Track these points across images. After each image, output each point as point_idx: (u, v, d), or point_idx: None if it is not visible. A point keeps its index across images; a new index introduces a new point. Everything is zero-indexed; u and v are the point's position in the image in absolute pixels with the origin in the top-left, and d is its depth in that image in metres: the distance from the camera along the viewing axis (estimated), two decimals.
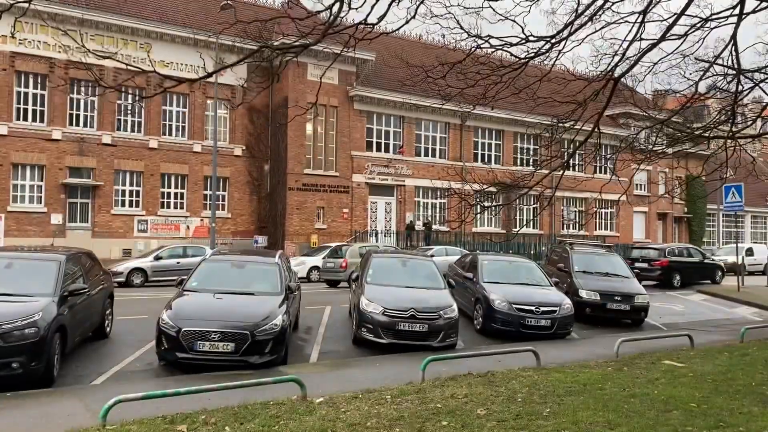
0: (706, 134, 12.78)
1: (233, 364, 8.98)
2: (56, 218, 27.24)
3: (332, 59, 8.51)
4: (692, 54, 11.22)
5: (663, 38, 8.86)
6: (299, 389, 7.15)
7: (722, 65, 11.08)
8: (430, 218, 34.64)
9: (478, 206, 10.90)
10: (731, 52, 9.53)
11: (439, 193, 35.55)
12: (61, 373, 8.81)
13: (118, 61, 7.33)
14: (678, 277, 24.69)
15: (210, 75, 7.05)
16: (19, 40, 26.38)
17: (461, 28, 8.33)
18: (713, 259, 29.29)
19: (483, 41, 8.32)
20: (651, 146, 13.34)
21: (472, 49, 8.34)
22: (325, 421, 6.23)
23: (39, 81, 27.25)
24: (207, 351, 8.95)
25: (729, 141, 12.29)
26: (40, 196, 27.19)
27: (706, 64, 10.97)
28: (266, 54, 7.27)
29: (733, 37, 9.16)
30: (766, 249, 38.11)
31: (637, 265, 24.87)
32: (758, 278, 29.79)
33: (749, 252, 35.88)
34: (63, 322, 8.65)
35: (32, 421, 6.47)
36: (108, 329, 11.51)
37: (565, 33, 8.57)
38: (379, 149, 34.29)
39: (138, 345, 10.81)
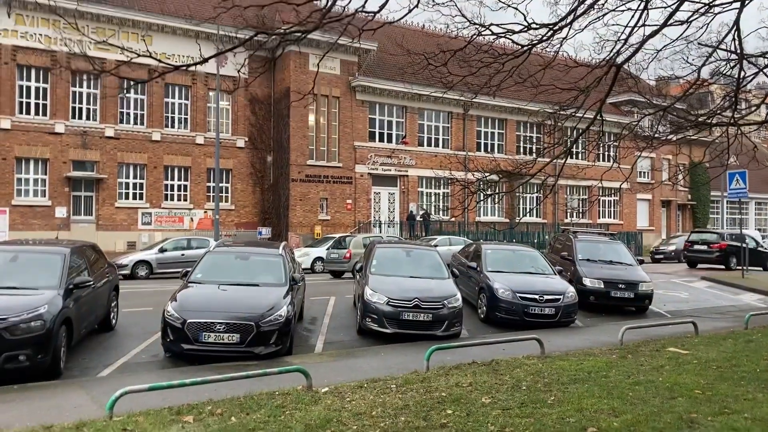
0: (709, 121, 12.69)
1: (238, 355, 9.01)
2: (60, 211, 27.30)
3: (334, 49, 8.45)
4: (695, 40, 11.13)
5: (666, 24, 8.77)
6: (304, 379, 7.17)
7: (725, 50, 10.98)
8: (426, 207, 34.57)
9: (481, 194, 10.87)
10: (734, 38, 9.44)
11: (442, 183, 35.48)
12: (68, 365, 8.86)
13: (117, 47, 7.27)
14: (734, 260, 24.83)
15: (207, 60, 6.99)
16: (21, 33, 26.34)
17: (463, 16, 8.26)
18: (764, 247, 29.45)
19: (485, 29, 8.26)
20: (654, 133, 13.26)
21: (473, 37, 8.27)
22: (330, 411, 6.25)
23: (41, 74, 27.21)
24: (212, 342, 8.98)
25: (732, 127, 12.20)
26: (44, 190, 27.23)
27: (709, 50, 10.88)
28: (266, 41, 7.20)
29: (736, 22, 9.07)
30: (759, 235, 36.86)
31: (695, 247, 25.06)
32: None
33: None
34: (68, 314, 8.67)
35: (40, 412, 6.49)
36: (113, 321, 11.55)
37: (568, 20, 8.50)
38: (381, 139, 34.20)
39: (143, 337, 10.86)
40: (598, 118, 9.59)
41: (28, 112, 26.99)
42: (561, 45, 9.31)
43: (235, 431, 5.58)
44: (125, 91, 27.74)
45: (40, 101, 27.27)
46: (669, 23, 8.83)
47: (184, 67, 6.23)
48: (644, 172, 43.79)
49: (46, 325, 8.02)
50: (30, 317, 7.93)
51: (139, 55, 5.64)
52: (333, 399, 6.75)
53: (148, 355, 9.87)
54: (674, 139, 15.55)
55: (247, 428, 5.66)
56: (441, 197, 36.06)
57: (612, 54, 9.50)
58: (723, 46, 10.87)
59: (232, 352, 9.03)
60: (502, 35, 8.36)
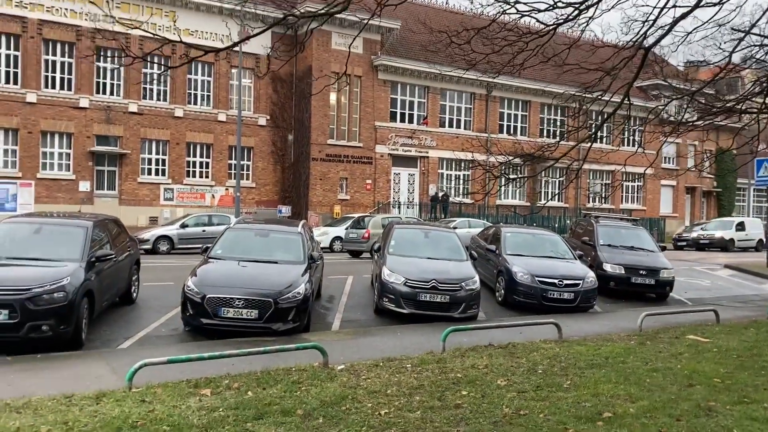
0: (738, 107, 12.42)
1: (256, 331, 9.11)
2: (84, 186, 27.64)
3: (356, 27, 8.38)
4: (728, 23, 10.85)
5: (697, 5, 8.55)
6: (321, 356, 7.23)
7: (758, 35, 10.71)
8: (446, 189, 34.39)
9: (503, 178, 10.78)
10: None
11: (463, 165, 35.27)
12: (89, 337, 9.02)
13: (144, 31, 7.31)
14: None
15: (235, 45, 7.02)
16: (47, 7, 26.51)
17: None
18: None
19: (509, 6, 8.12)
20: (680, 118, 13.01)
21: (498, 15, 8.15)
22: (345, 388, 6.30)
23: (66, 49, 27.42)
24: (231, 317, 9.08)
25: (762, 114, 11.92)
26: (69, 164, 27.56)
27: (741, 34, 10.60)
28: (290, 21, 7.18)
29: None
30: (761, 223, 36.12)
31: None
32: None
33: (740, 226, 33.96)
34: (90, 287, 8.81)
35: (61, 382, 6.64)
36: (134, 295, 11.72)
37: None
38: (402, 120, 34.00)
39: (164, 311, 11.01)
40: (626, 100, 9.41)
41: (53, 87, 27.26)
42: (587, 24, 9.13)
43: (251, 405, 5.64)
44: (155, 80, 27.86)
45: (65, 76, 27.49)
46: (700, 4, 8.61)
47: (213, 52, 6.23)
48: (669, 158, 43.09)
49: (69, 296, 8.16)
50: (53, 288, 8.07)
51: (169, 41, 5.63)
52: (349, 376, 6.80)
53: (167, 329, 10.01)
54: (701, 124, 15.23)
55: (264, 402, 5.73)
56: (461, 179, 35.85)
57: (639, 36, 9.30)
58: (756, 30, 10.60)
59: (251, 328, 9.12)
60: (527, 14, 8.22)
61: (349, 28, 29.24)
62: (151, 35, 6.27)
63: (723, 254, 30.17)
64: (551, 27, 8.36)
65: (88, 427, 5.04)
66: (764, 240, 33.70)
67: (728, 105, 12.98)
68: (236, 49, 27.12)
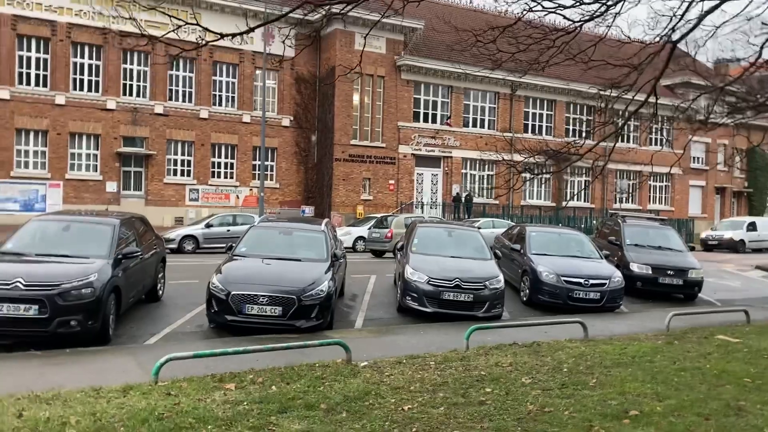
0: None
1: (280, 328, 9.18)
2: (111, 186, 28.12)
3: (379, 27, 8.39)
4: (757, 16, 10.64)
5: None
6: (344, 353, 7.26)
7: None
8: (469, 189, 34.24)
9: (527, 174, 10.70)
10: None
11: (486, 165, 35.10)
12: (117, 332, 9.16)
13: (165, 14, 7.36)
14: None
15: (253, 29, 7.05)
16: (75, 11, 27.01)
17: None
18: None
19: (535, 4, 8.08)
20: (708, 115, 12.81)
21: (524, 13, 8.11)
22: (369, 384, 6.32)
23: (94, 51, 27.91)
24: (255, 314, 9.15)
25: None
26: (96, 165, 28.06)
27: None
28: (311, 16, 7.22)
29: None
30: None
31: None
32: None
33: (751, 226, 32.63)
34: (117, 283, 8.96)
35: (89, 375, 6.75)
36: (160, 292, 11.87)
37: None
38: (426, 120, 33.96)
39: (189, 308, 11.14)
40: (651, 99, 9.30)
41: (81, 89, 27.78)
42: (614, 20, 9.05)
43: (275, 399, 5.69)
44: (175, 59, 28.12)
45: (93, 78, 28.00)
46: None
47: (232, 36, 6.31)
48: (698, 158, 42.42)
49: (96, 292, 8.30)
50: (81, 284, 8.22)
51: (187, 23, 5.73)
52: (372, 373, 6.81)
53: (193, 326, 10.13)
54: (730, 122, 14.96)
55: (287, 397, 5.77)
56: (485, 179, 35.69)
57: (667, 30, 9.18)
58: None
59: (274, 325, 9.19)
60: (553, 10, 8.17)
61: (373, 28, 29.32)
62: (175, 23, 6.30)
63: (756, 255, 29.57)
64: (578, 23, 8.29)
65: (115, 418, 5.12)
66: None
67: (759, 101, 12.75)
68: (260, 50, 27.39)
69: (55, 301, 7.96)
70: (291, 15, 6.88)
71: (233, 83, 31.07)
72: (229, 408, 5.46)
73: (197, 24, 5.72)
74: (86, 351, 8.05)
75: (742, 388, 6.57)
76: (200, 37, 6.49)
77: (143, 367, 7.05)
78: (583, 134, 11.39)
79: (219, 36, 6.12)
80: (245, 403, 5.59)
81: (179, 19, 5.76)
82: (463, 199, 32.64)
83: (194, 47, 7.43)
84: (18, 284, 7.93)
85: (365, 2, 6.48)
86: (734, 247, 31.10)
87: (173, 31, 5.92)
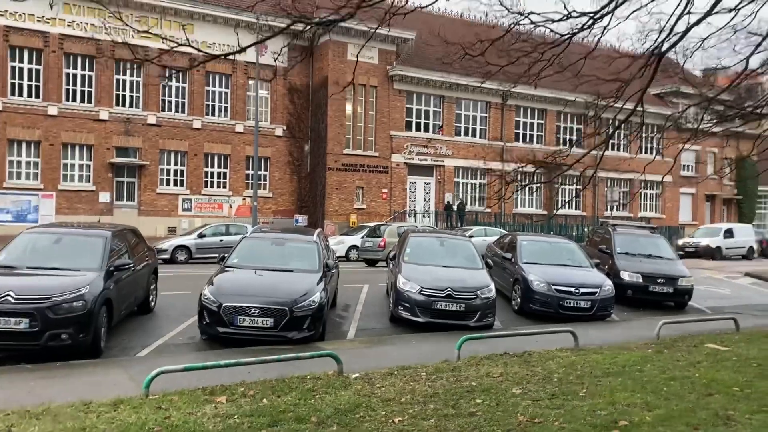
0: (757, 112, 12.29)
1: (272, 339, 9.16)
2: (104, 197, 28.03)
3: (373, 38, 8.45)
4: (744, 28, 10.77)
5: (711, 11, 8.51)
6: (336, 364, 7.26)
7: None
8: (462, 198, 34.38)
9: (517, 185, 10.76)
10: None
11: (478, 174, 35.23)
12: (108, 345, 9.12)
13: (159, 36, 7.44)
14: None
15: (245, 49, 7.08)
16: (67, 22, 27.01)
17: (501, 4, 8.17)
18: None
19: (523, 17, 8.15)
20: (698, 125, 12.92)
21: (512, 26, 8.17)
22: (360, 396, 6.31)
23: (87, 62, 27.89)
24: (247, 326, 9.14)
25: None
26: (89, 175, 27.98)
27: (758, 38, 10.51)
28: (303, 29, 7.27)
29: None
30: (751, 229, 34.62)
31: None
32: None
33: (728, 233, 32.54)
34: (109, 295, 8.93)
35: (80, 389, 6.72)
36: (152, 304, 11.84)
37: (610, 8, 8.32)
38: (418, 129, 34.08)
39: (181, 319, 11.10)
40: (639, 108, 9.38)
41: (74, 99, 27.74)
42: (603, 34, 9.14)
43: (266, 412, 5.68)
44: (167, 80, 28.25)
45: (86, 89, 27.97)
46: (715, 11, 8.57)
47: (223, 56, 6.35)
48: (688, 166, 42.67)
49: (88, 305, 8.27)
50: (72, 297, 8.19)
51: (179, 44, 5.75)
52: (363, 384, 6.81)
53: (184, 338, 10.09)
54: (719, 130, 15.08)
55: (278, 410, 5.76)
56: (477, 188, 35.80)
57: (656, 44, 9.27)
58: None
59: (266, 336, 9.17)
60: (541, 24, 8.24)
61: (364, 39, 29.44)
62: (169, 44, 6.36)
63: (744, 262, 29.70)
64: (566, 36, 8.36)
65: None
66: (755, 247, 32.79)
67: (747, 110, 12.86)
68: (253, 60, 27.44)
69: (45, 314, 7.93)
70: (283, 26, 6.91)
71: (226, 93, 31.10)
72: (220, 422, 5.45)
73: (191, 45, 5.71)
74: (77, 364, 8.00)
75: (730, 397, 6.59)
76: (193, 57, 6.52)
77: (134, 380, 7.02)
78: (573, 143, 11.47)
79: (211, 57, 6.12)
80: (236, 417, 5.58)
81: (174, 41, 5.77)
82: (455, 207, 32.73)
83: (188, 67, 7.48)
84: (8, 297, 7.89)
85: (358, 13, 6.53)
86: (711, 254, 30.88)
87: (167, 51, 5.93)
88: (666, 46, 9.30)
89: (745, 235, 33.19)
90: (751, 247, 32.55)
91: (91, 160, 27.98)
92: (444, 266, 12.20)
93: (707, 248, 31.00)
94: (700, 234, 33.05)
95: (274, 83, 31.25)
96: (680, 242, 32.96)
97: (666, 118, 13.36)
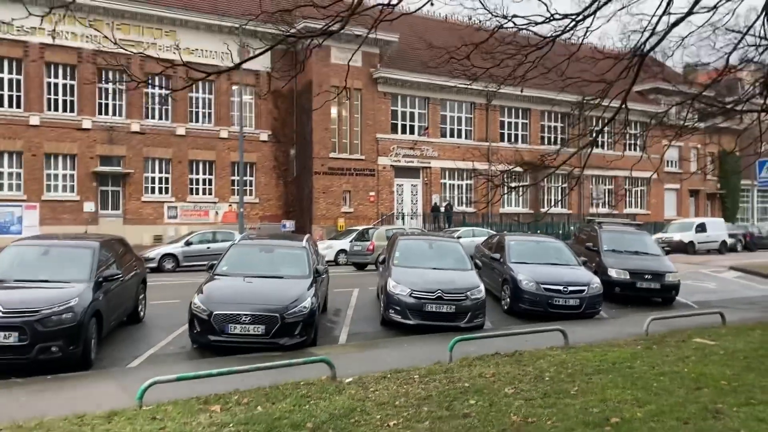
0: (738, 108, 12.50)
1: (264, 346, 9.17)
2: (89, 206, 27.84)
3: (355, 41, 8.51)
4: (723, 26, 10.95)
5: (692, 11, 8.68)
6: (329, 370, 7.29)
7: (754, 36, 10.80)
8: (449, 199, 34.51)
9: (505, 187, 10.85)
10: (763, 23, 9.29)
11: (465, 175, 35.38)
12: (98, 356, 9.09)
13: (147, 55, 7.48)
14: None
15: (237, 66, 7.15)
16: (48, 31, 26.79)
17: (485, 8, 8.27)
18: None
19: (507, 20, 8.25)
20: (681, 122, 13.10)
21: (496, 29, 8.27)
22: (354, 401, 6.36)
23: (68, 71, 27.71)
24: (238, 333, 9.15)
25: (763, 114, 12.00)
26: (73, 185, 27.78)
27: (737, 36, 10.70)
28: (290, 41, 7.33)
29: (765, 7, 8.92)
30: (723, 224, 34.66)
31: None
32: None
33: (700, 228, 32.51)
34: (98, 307, 8.90)
35: (72, 402, 6.70)
36: (142, 314, 11.80)
37: (591, 9, 8.45)
38: (404, 131, 34.19)
39: (171, 329, 11.07)
40: (623, 108, 9.51)
41: (56, 109, 27.53)
42: (585, 35, 9.26)
43: (261, 420, 5.70)
44: (163, 104, 28.14)
45: (68, 98, 27.78)
46: (695, 10, 8.73)
47: (216, 74, 6.36)
48: (672, 162, 43.12)
49: (77, 317, 8.24)
50: (62, 309, 8.16)
51: (172, 64, 5.77)
52: (357, 389, 6.85)
53: (175, 347, 10.07)
54: (702, 127, 15.28)
55: (273, 417, 5.79)
56: (464, 188, 35.97)
57: (638, 44, 9.41)
58: (752, 32, 10.69)
59: (258, 343, 9.18)
60: (524, 26, 8.34)
61: (348, 43, 29.48)
62: (155, 58, 6.43)
63: (728, 256, 30.02)
64: (549, 39, 8.47)
65: None
66: (728, 242, 32.77)
67: (728, 106, 13.07)
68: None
69: (35, 327, 7.89)
70: (267, 31, 6.95)
71: (210, 99, 31.02)
72: (216, 430, 5.47)
73: (184, 64, 5.73)
74: (68, 377, 7.97)
75: (719, 390, 6.71)
76: (186, 77, 6.55)
77: (127, 391, 7.01)
78: (561, 146, 11.58)
79: (205, 74, 6.13)
80: (231, 425, 5.60)
81: (168, 61, 5.78)
82: (442, 209, 32.85)
83: (182, 87, 7.49)
84: None
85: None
86: (684, 249, 30.86)
87: (161, 73, 5.95)
88: (648, 46, 9.47)
89: (718, 229, 33.15)
90: (724, 242, 32.51)
91: (74, 169, 27.78)
92: (433, 268, 12.27)
93: (680, 243, 31.04)
94: (673, 229, 33.09)
95: (258, 88, 31.18)
96: (653, 238, 33.17)
97: (650, 116, 13.53)
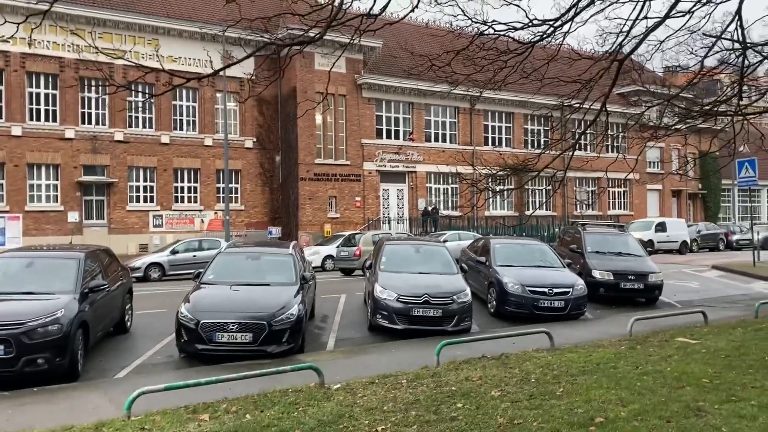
0: (715, 110, 12.69)
1: (252, 354, 9.17)
2: (73, 216, 27.62)
3: (338, 48, 8.57)
4: (699, 30, 11.13)
5: (668, 15, 8.81)
6: (317, 376, 7.32)
7: (729, 39, 10.98)
8: (435, 203, 34.67)
9: (489, 191, 10.96)
10: (737, 27, 9.45)
11: (450, 179, 35.54)
12: (85, 367, 9.04)
13: (129, 61, 7.50)
14: None
15: (217, 72, 7.17)
16: (29, 41, 26.60)
17: (465, 15, 8.36)
18: None
19: (487, 27, 8.35)
20: (659, 123, 13.29)
21: (476, 36, 8.36)
22: (342, 407, 6.39)
23: (50, 81, 27.51)
24: (226, 342, 9.15)
25: (737, 116, 12.21)
26: (57, 195, 27.55)
27: (713, 40, 10.88)
28: (273, 48, 7.38)
29: (738, 11, 9.09)
30: (684, 224, 34.51)
31: None
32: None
33: (660, 227, 32.32)
34: (85, 318, 8.86)
35: (59, 414, 6.68)
36: (128, 324, 11.75)
37: (570, 15, 8.56)
38: (389, 136, 34.34)
39: (158, 338, 11.04)
40: (604, 110, 9.64)
41: (38, 119, 27.31)
42: (563, 39, 9.38)
43: (249, 428, 5.72)
44: (141, 103, 28.03)
45: (50, 107, 27.57)
46: (671, 14, 8.87)
47: (196, 79, 6.38)
48: (654, 163, 43.59)
49: (63, 328, 8.21)
50: (48, 321, 8.12)
51: (153, 69, 5.79)
52: (345, 395, 6.89)
53: (163, 356, 10.05)
54: (683, 128, 15.49)
55: (262, 425, 5.81)
56: (450, 192, 36.13)
57: (615, 47, 9.55)
58: (727, 36, 10.88)
59: (246, 352, 9.19)
60: (504, 33, 8.44)
61: (331, 48, 29.58)
62: (134, 64, 6.45)
63: (712, 255, 30.34)
64: (528, 45, 8.58)
65: None
66: (689, 242, 32.75)
67: (705, 108, 13.27)
68: (220, 73, 27.35)
69: (21, 339, 7.85)
70: (250, 38, 7.00)
71: (194, 107, 30.94)
72: None
73: (164, 70, 5.76)
74: (55, 389, 7.92)
75: (701, 389, 6.82)
76: (168, 82, 6.57)
77: (115, 402, 7.00)
78: (542, 147, 11.73)
79: (186, 80, 6.16)
80: None
81: (149, 68, 5.80)
82: (429, 212, 32.95)
83: (163, 92, 7.50)
84: None
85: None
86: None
87: (142, 77, 5.97)
88: (626, 50, 9.62)
89: (678, 229, 33.03)
90: (685, 242, 32.44)
91: (58, 179, 27.56)
92: (420, 273, 12.35)
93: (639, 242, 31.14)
94: (633, 228, 33.02)
95: (242, 95, 31.15)
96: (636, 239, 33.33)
97: (628, 118, 13.70)
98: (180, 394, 6.87)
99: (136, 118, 29.50)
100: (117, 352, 10.25)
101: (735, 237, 36.28)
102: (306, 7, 6.30)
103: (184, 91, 30.50)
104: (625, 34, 9.45)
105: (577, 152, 10.27)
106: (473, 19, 8.46)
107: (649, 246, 30.67)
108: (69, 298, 8.73)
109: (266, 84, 7.14)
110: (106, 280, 10.19)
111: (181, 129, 30.62)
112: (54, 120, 27.56)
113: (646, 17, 9.13)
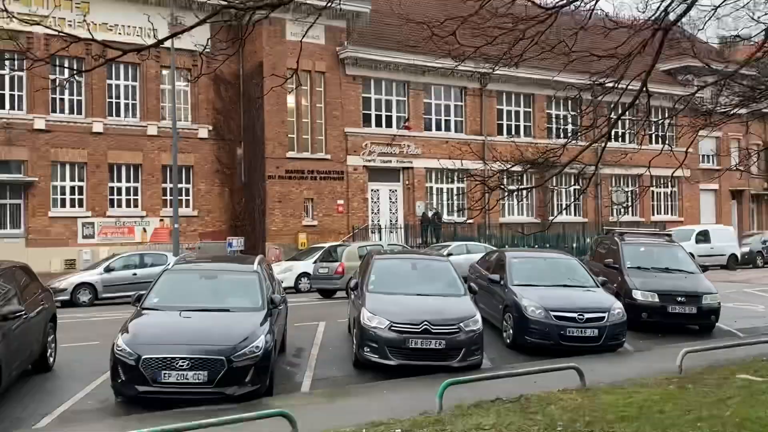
0: None
1: (207, 398, 9.15)
2: None
3: (315, 12, 8.54)
4: None
5: None
6: (289, 426, 7.27)
7: None
8: (437, 207, 34.68)
9: (503, 191, 10.96)
10: None
11: (455, 177, 35.57)
12: None
13: (50, 28, 7.47)
14: None
15: (162, 41, 7.10)
16: None
17: None
18: None
19: None
20: (715, 107, 13.37)
21: (485, 0, 8.40)
22: None
23: None
24: (174, 382, 9.10)
25: None
26: None
27: None
28: (232, 13, 7.36)
29: None
30: (732, 233, 34.88)
31: None
32: None
33: (702, 237, 32.52)
34: None
35: None
36: (51, 360, 11.67)
37: None
38: (379, 124, 34.38)
39: (89, 378, 10.97)
40: (645, 91, 9.69)
41: None
42: (596, 3, 9.42)
43: None
44: (65, 86, 27.87)
45: None
46: None
47: (136, 51, 6.37)
48: (708, 156, 43.76)
49: None
50: None
51: (80, 39, 5.78)
52: None
53: (95, 401, 9.99)
54: (743, 113, 15.61)
55: None
56: (455, 193, 36.18)
57: (659, 12, 9.60)
58: None
59: (199, 394, 9.16)
60: None
61: (307, 14, 29.62)
62: (58, 33, 6.41)
63: (739, 273, 30.25)
64: (552, 9, 8.61)
65: None
66: (738, 256, 32.84)
67: None
68: (167, 46, 27.33)
69: None
70: (205, 1, 6.98)
71: (134, 87, 30.89)
72: None
73: (96, 40, 5.75)
74: None
75: None
76: (100, 55, 6.57)
77: None
78: (568, 136, 11.75)
79: (122, 52, 6.14)
80: None
81: (75, 37, 5.77)
82: (429, 217, 32.95)
83: (93, 67, 7.47)
84: None
85: None
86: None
87: (65, 48, 5.96)
88: (673, 16, 9.67)
89: (725, 239, 33.11)
90: (734, 255, 32.64)
91: None
92: (418, 294, 12.35)
93: None
94: None
95: (195, 72, 31.11)
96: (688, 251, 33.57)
97: (676, 100, 13.77)
98: None
99: (62, 101, 29.38)
100: (37, 396, 10.18)
101: None
102: None
103: (121, 68, 30.41)
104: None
105: (612, 143, 10.33)
106: None
107: None
108: None
109: (224, 58, 7.12)
110: (22, 305, 10.12)
111: (118, 115, 30.53)
112: None
113: None
